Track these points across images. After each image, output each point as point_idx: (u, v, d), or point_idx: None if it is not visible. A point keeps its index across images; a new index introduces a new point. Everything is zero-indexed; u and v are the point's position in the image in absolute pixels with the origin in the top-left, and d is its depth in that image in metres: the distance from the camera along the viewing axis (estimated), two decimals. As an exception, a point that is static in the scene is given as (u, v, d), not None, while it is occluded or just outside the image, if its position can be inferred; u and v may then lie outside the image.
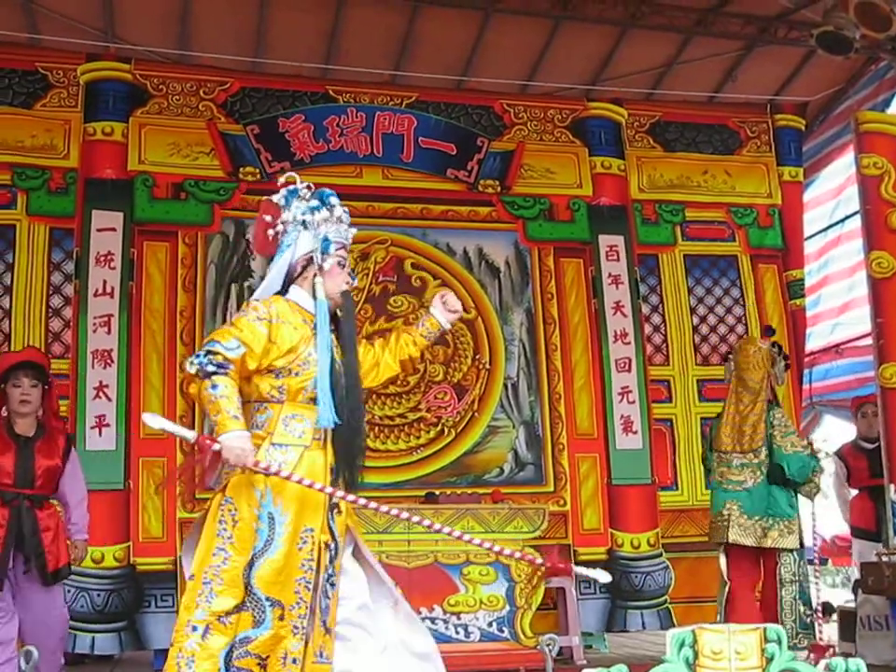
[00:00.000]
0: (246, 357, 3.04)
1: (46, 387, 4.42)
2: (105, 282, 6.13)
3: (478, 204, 6.95)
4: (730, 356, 5.59)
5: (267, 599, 2.96)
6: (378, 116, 6.89)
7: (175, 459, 6.01)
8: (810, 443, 5.35)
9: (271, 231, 3.26)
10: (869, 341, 5.96)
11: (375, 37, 7.06)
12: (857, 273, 7.75)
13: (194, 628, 2.91)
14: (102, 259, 6.16)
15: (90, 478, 5.39)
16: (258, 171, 6.60)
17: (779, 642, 2.18)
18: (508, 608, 5.50)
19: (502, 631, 5.46)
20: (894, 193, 5.62)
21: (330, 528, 3.11)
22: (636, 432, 6.78)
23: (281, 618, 2.97)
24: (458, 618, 5.42)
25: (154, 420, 2.97)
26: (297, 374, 3.11)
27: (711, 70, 7.62)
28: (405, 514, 3.27)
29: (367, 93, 6.93)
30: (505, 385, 6.72)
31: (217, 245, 6.47)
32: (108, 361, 6.02)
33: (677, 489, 6.88)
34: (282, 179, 3.30)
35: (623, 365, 6.87)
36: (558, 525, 6.40)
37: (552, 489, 6.57)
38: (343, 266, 3.26)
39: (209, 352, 2.99)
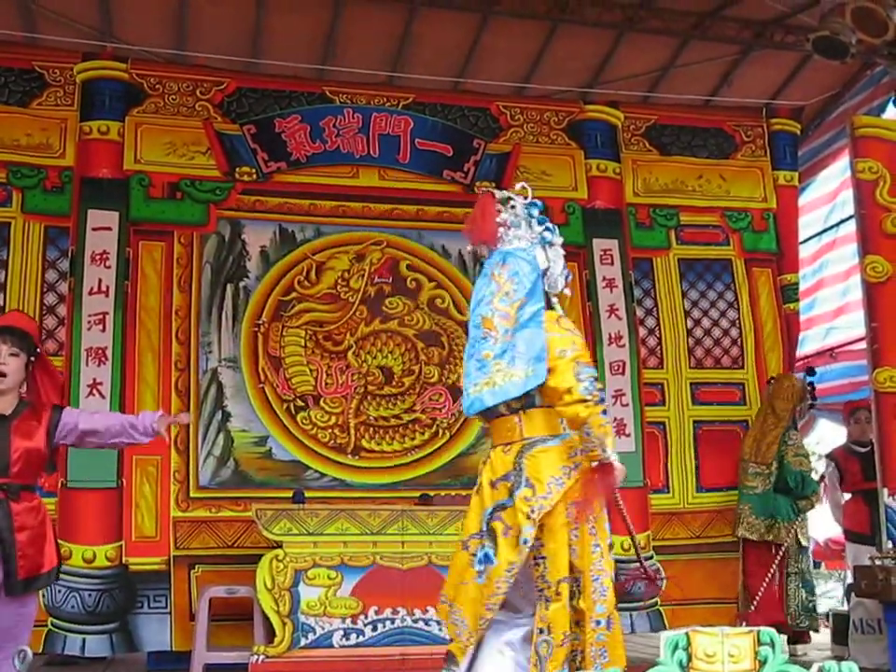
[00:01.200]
0: None
1: (33, 359, 3.77)
2: (100, 280, 6.10)
3: (474, 206, 6.92)
4: (771, 381, 6.73)
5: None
6: (374, 117, 6.88)
7: (170, 458, 6.01)
8: (822, 477, 6.45)
9: (502, 230, 3.47)
10: (863, 345, 5.98)
11: (372, 39, 7.06)
12: (851, 277, 7.77)
13: (598, 622, 3.14)
14: (97, 257, 6.13)
15: (82, 475, 5.40)
16: (254, 171, 6.59)
17: (773, 645, 2.18)
18: (501, 609, 5.48)
19: (495, 632, 5.43)
20: (889, 198, 5.65)
21: None
22: (628, 435, 6.77)
23: None
24: (452, 619, 5.40)
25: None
26: None
27: (707, 74, 7.63)
28: None
29: (363, 94, 6.92)
30: (500, 387, 6.69)
31: (213, 245, 6.45)
32: (102, 359, 6.00)
33: (668, 492, 6.88)
34: (518, 186, 3.54)
35: (616, 368, 6.87)
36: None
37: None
38: None
39: (595, 378, 3.20)
